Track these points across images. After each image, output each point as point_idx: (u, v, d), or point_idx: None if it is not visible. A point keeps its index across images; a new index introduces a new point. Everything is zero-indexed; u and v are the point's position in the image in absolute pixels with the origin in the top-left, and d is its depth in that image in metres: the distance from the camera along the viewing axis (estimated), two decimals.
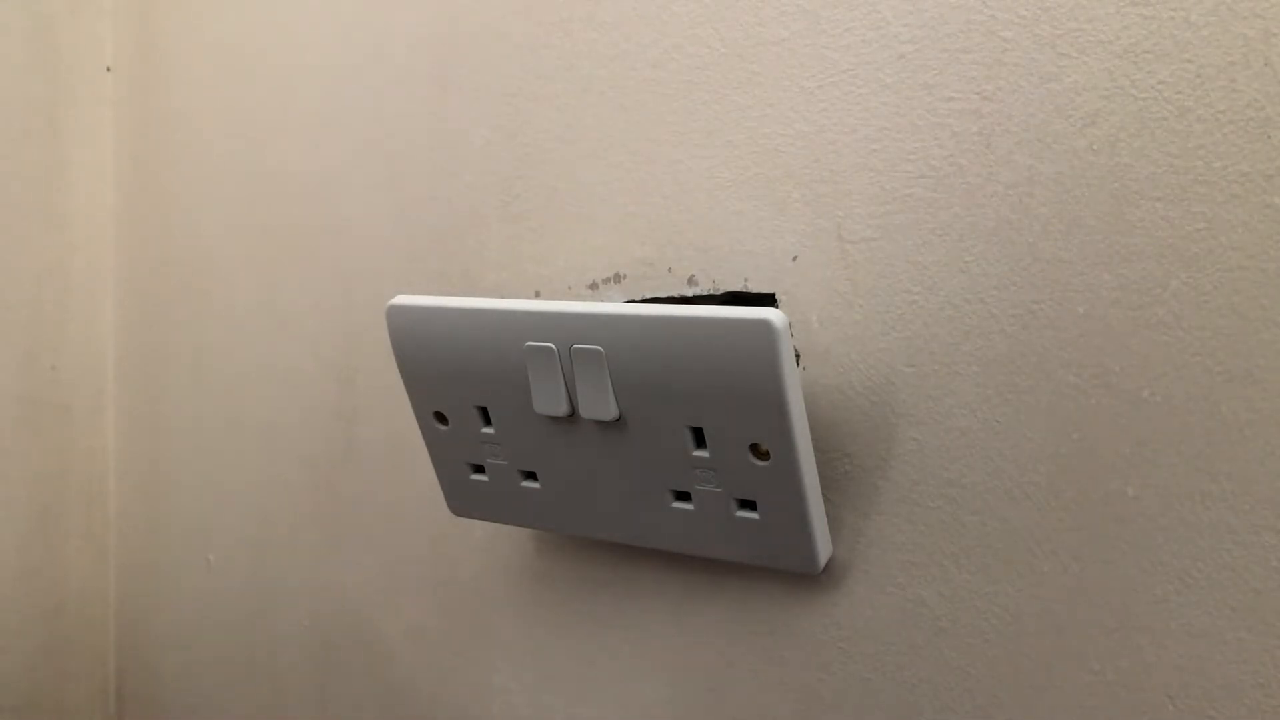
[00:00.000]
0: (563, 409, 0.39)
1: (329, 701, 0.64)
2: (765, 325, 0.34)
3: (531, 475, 0.43)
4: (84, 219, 0.75)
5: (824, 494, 0.41)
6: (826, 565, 0.40)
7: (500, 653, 0.54)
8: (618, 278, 0.46)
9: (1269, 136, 0.31)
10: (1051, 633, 0.36)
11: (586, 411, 0.39)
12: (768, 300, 0.42)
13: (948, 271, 0.37)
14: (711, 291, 0.43)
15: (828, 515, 0.40)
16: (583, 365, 0.38)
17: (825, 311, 0.41)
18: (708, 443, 0.37)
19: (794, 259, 0.41)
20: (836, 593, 0.41)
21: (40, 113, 0.72)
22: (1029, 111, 0.35)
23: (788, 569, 0.39)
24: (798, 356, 0.40)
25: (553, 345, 0.38)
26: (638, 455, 0.39)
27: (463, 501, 0.46)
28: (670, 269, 0.45)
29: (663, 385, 0.37)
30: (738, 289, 0.43)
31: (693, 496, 0.39)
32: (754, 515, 0.38)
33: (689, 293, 0.44)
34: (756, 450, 0.37)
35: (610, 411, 0.38)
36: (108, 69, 0.76)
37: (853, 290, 0.40)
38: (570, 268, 0.48)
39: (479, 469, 0.45)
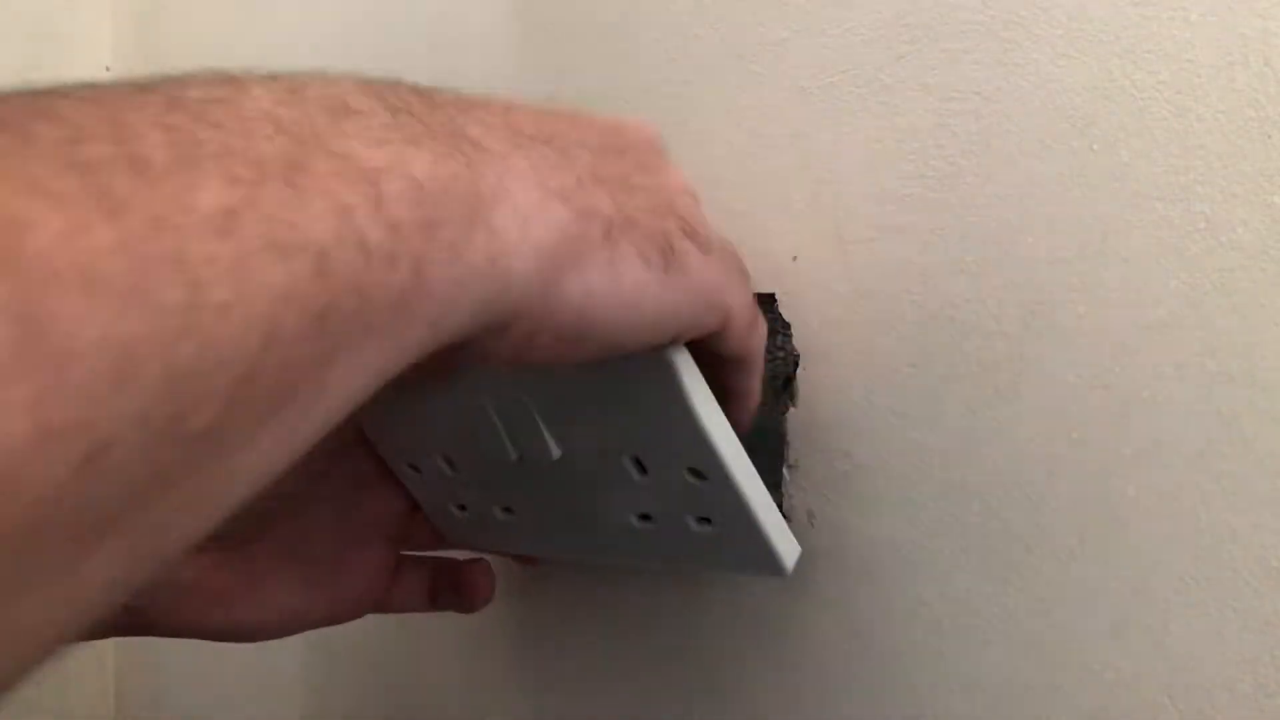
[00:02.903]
0: (511, 455, 0.39)
1: (328, 705, 0.64)
2: (659, 362, 0.33)
3: (508, 508, 0.44)
4: None
5: (824, 494, 0.41)
6: (826, 566, 0.40)
7: (499, 660, 0.54)
8: None
9: (1269, 136, 0.31)
10: (1051, 633, 0.36)
11: (530, 456, 0.39)
12: (768, 300, 0.42)
13: (948, 272, 0.37)
14: None
15: (827, 515, 0.40)
16: (512, 417, 0.38)
17: (825, 311, 0.41)
18: (648, 470, 0.37)
19: (794, 259, 0.41)
20: (835, 593, 0.41)
21: None
22: (1029, 111, 0.35)
23: (758, 573, 0.39)
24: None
25: (484, 404, 0.39)
26: (591, 487, 0.39)
27: (453, 534, 0.47)
28: None
29: (592, 424, 0.37)
30: None
31: (653, 517, 0.39)
32: (711, 528, 0.38)
33: None
34: (693, 471, 0.37)
35: (552, 454, 0.38)
36: (107, 69, 0.76)
37: (853, 290, 0.40)
38: None
39: (461, 506, 0.45)
